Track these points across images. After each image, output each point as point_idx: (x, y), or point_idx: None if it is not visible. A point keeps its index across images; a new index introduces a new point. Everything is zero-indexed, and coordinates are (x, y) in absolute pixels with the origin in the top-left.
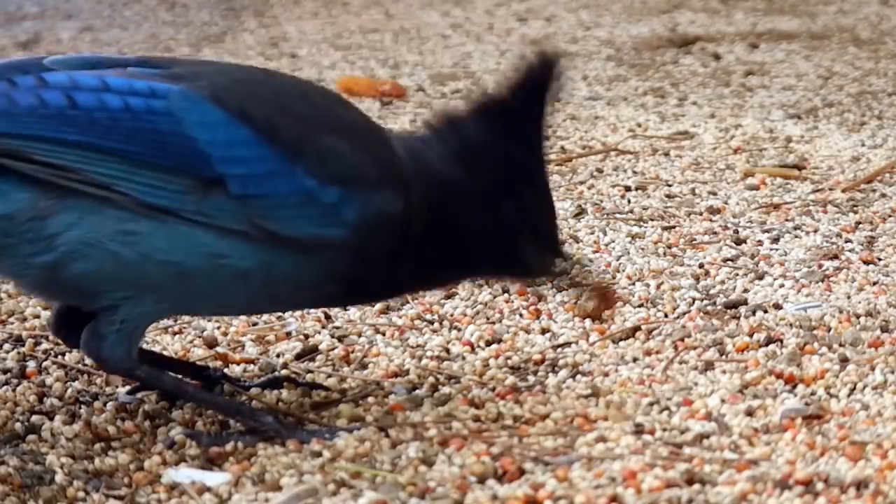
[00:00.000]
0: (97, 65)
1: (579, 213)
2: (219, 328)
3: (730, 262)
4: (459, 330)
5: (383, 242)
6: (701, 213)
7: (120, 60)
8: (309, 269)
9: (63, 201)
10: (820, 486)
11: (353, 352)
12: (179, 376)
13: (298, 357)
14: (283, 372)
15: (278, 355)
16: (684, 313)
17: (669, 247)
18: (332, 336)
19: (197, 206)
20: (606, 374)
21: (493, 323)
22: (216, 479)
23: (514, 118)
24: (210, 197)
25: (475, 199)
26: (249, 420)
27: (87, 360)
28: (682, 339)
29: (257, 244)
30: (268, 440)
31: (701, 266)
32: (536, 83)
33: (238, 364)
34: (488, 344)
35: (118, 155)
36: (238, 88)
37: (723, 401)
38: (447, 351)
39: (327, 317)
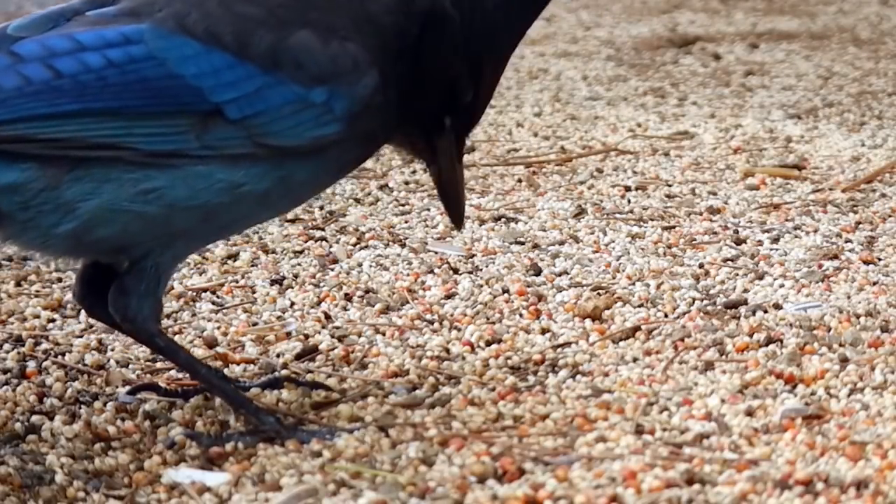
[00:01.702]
0: (58, 19)
1: (579, 213)
2: (219, 328)
3: (730, 262)
4: (459, 330)
5: (372, 118)
6: (701, 213)
7: (73, 7)
8: (319, 169)
9: (74, 170)
10: (820, 486)
11: (353, 352)
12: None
13: (298, 357)
14: (284, 372)
15: (278, 355)
16: (684, 313)
17: (669, 247)
18: (332, 336)
19: (201, 142)
20: (606, 374)
21: (493, 323)
22: (216, 479)
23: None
24: (211, 129)
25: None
26: (252, 417)
27: (87, 360)
28: (682, 339)
29: (267, 164)
30: (268, 440)
31: (701, 266)
32: None
33: (238, 364)
34: (488, 344)
35: (114, 113)
36: (195, 10)
37: (723, 401)
38: (447, 351)
39: (327, 317)
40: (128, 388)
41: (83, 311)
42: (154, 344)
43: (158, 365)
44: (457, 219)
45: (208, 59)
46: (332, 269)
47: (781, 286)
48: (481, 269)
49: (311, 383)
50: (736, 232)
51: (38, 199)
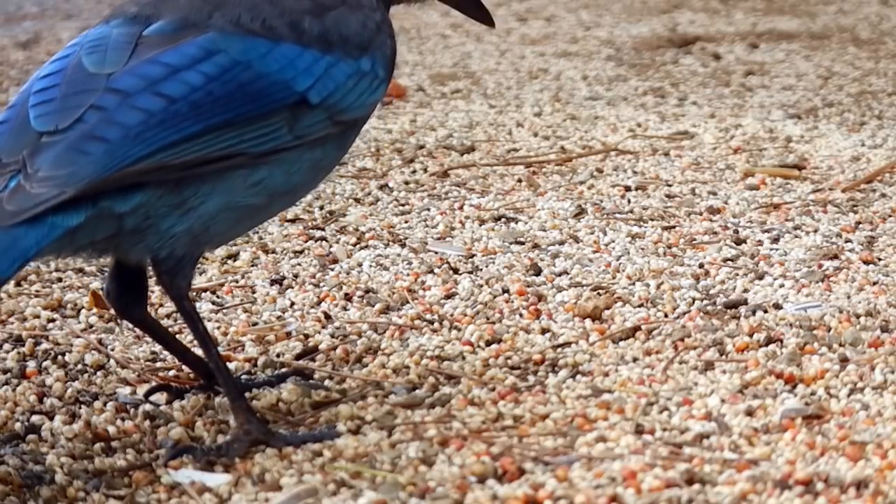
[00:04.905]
0: (121, 48)
1: (579, 213)
2: (219, 328)
3: (730, 262)
4: (459, 330)
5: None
6: (701, 213)
7: (127, 36)
8: (361, 127)
9: (193, 182)
10: (820, 486)
11: (352, 352)
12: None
13: (298, 357)
14: (295, 364)
15: (278, 355)
16: (684, 313)
17: (669, 247)
18: (333, 336)
19: (293, 133)
20: (606, 374)
21: (493, 323)
22: (216, 479)
23: None
24: (299, 118)
25: None
26: (242, 415)
27: (87, 360)
28: (682, 339)
29: (337, 138)
30: (256, 444)
31: (701, 266)
32: None
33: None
34: (488, 344)
35: (230, 123)
36: (244, 10)
37: (723, 401)
38: (447, 351)
39: (327, 317)
40: (128, 388)
41: (116, 312)
42: (183, 308)
43: (158, 365)
44: (485, 16)
45: (280, 52)
46: (332, 269)
47: (781, 286)
48: (481, 269)
49: (316, 385)
50: (736, 232)
51: (159, 210)
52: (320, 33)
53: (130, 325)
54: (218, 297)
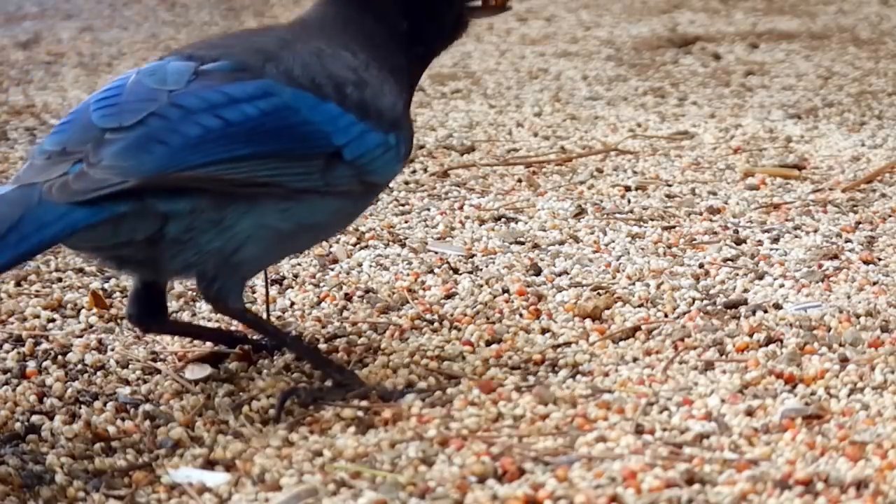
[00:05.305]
0: (179, 75)
1: (579, 213)
2: (219, 328)
3: (730, 262)
4: (459, 330)
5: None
6: (701, 213)
7: (185, 67)
8: (378, 194)
9: (236, 201)
10: (820, 486)
11: (353, 352)
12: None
13: (298, 357)
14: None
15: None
16: (684, 313)
17: (669, 247)
18: (333, 336)
19: (325, 180)
20: (606, 374)
21: (493, 323)
22: (216, 479)
23: None
24: (331, 169)
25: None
26: (336, 374)
27: (87, 360)
28: (682, 339)
29: (359, 196)
30: (337, 392)
31: (701, 266)
32: None
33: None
34: (488, 344)
35: (276, 155)
36: (297, 66)
37: (723, 401)
38: (447, 351)
39: (327, 317)
40: (128, 388)
41: (137, 329)
42: (246, 319)
43: (158, 365)
44: (499, 6)
45: (325, 108)
46: (332, 269)
47: (781, 286)
48: (481, 269)
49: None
50: (736, 232)
51: (201, 223)
52: (359, 102)
53: (130, 326)
54: None
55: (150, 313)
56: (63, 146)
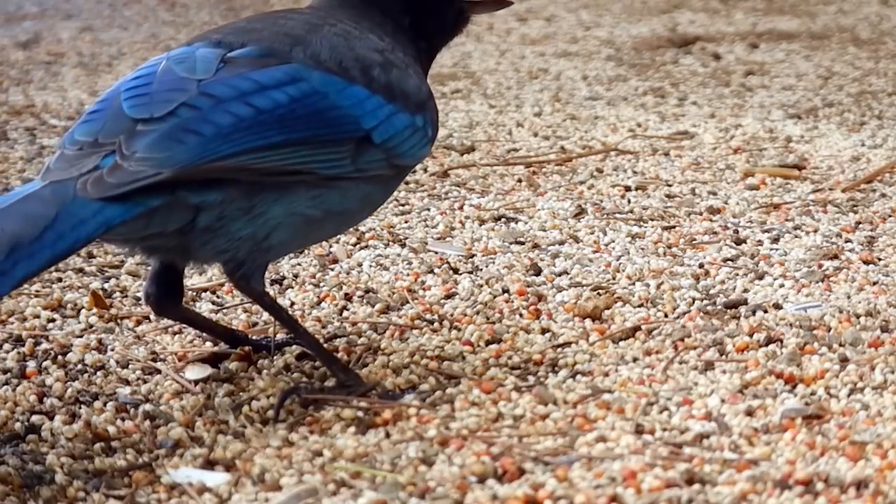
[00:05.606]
0: (208, 62)
1: (579, 213)
2: None
3: (730, 262)
4: (459, 330)
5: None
6: (701, 213)
7: (213, 54)
8: (403, 178)
9: (266, 190)
10: (820, 486)
11: (353, 352)
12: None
13: (299, 357)
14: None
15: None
16: (684, 313)
17: (669, 247)
18: (333, 336)
19: (355, 165)
20: (606, 374)
21: (493, 323)
22: (216, 479)
23: None
24: (361, 153)
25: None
26: (340, 374)
27: (87, 360)
28: (682, 339)
29: (387, 181)
30: (339, 392)
31: (701, 266)
32: None
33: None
34: (488, 344)
35: (307, 141)
36: (324, 50)
37: (723, 401)
38: (447, 351)
39: (327, 316)
40: (128, 388)
41: (153, 312)
42: (264, 303)
43: (158, 365)
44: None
45: (352, 92)
46: (332, 269)
47: (781, 286)
48: (481, 269)
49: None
50: (736, 232)
51: (231, 211)
52: (386, 84)
53: (130, 326)
54: (218, 297)
55: (167, 294)
56: (95, 137)
